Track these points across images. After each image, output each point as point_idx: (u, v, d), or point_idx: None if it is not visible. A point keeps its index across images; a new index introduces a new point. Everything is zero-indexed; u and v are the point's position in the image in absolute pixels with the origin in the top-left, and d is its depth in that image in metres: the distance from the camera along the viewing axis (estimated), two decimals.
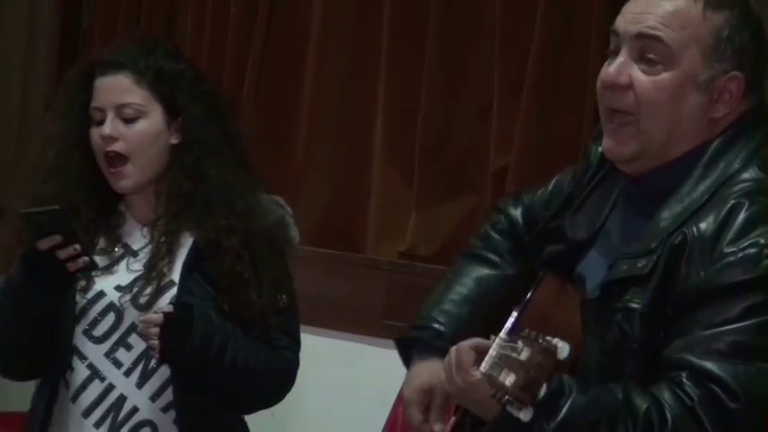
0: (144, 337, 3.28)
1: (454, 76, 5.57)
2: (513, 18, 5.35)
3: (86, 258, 3.24)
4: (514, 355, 2.48)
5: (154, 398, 3.42)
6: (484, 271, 3.26)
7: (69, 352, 3.44)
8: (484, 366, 2.50)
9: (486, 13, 5.43)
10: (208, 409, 3.46)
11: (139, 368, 3.45)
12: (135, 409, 3.40)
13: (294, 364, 3.48)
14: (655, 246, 2.74)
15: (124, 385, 3.43)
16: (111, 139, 3.34)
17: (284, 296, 3.44)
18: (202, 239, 3.39)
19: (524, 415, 2.48)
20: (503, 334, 2.56)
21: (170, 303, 3.33)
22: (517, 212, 3.30)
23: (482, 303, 3.21)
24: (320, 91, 5.81)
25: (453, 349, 2.68)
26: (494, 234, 3.31)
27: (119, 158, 3.36)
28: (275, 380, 3.43)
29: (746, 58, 2.83)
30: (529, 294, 2.98)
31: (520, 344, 2.48)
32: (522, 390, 2.46)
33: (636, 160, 2.87)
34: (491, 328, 2.87)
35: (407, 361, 3.22)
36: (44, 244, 3.19)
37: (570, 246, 3.01)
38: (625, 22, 2.86)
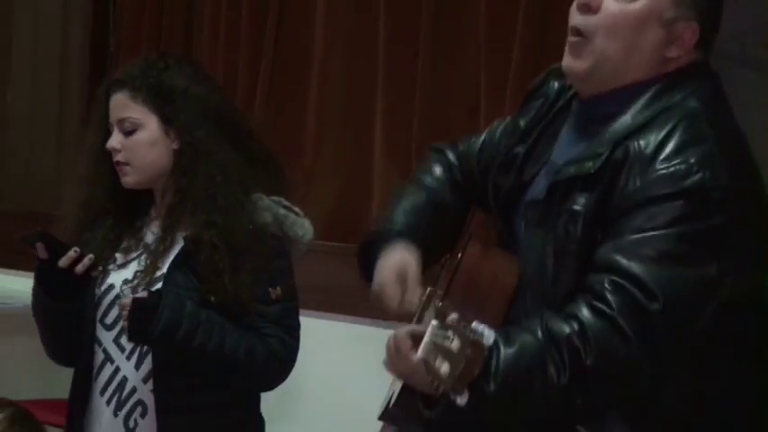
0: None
1: (444, 81, 5.59)
2: (495, 28, 5.36)
3: (90, 256, 3.29)
4: (446, 343, 2.44)
5: (146, 379, 3.42)
6: (422, 194, 3.22)
7: (92, 338, 3.49)
8: (420, 353, 2.44)
9: (472, 25, 5.46)
10: (189, 390, 3.43)
11: (137, 352, 3.45)
12: (134, 390, 3.41)
13: (285, 352, 3.39)
14: (601, 151, 2.73)
15: (126, 368, 3.45)
16: (114, 150, 3.39)
17: (278, 288, 3.38)
18: (190, 235, 3.39)
19: (461, 399, 2.46)
20: (434, 321, 2.47)
21: (144, 290, 3.33)
22: (453, 156, 3.29)
23: (426, 215, 3.17)
24: (324, 99, 5.84)
25: (391, 336, 2.62)
26: (435, 168, 3.28)
27: (123, 164, 3.40)
28: (261, 366, 3.33)
29: (706, 14, 2.83)
30: (459, 256, 2.96)
31: (450, 333, 2.44)
32: (457, 380, 2.43)
33: (589, 77, 2.84)
34: (435, 238, 3.11)
35: (367, 268, 3.14)
36: (39, 252, 3.28)
37: (526, 173, 2.98)
38: None
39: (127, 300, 3.28)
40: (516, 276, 2.87)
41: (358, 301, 4.95)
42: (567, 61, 2.87)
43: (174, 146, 3.41)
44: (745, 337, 2.79)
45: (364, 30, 5.75)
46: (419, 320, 2.91)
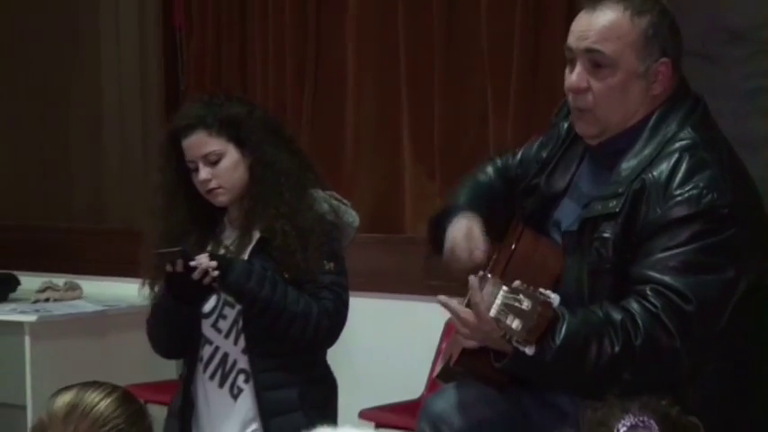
0: (201, 273, 3.29)
1: (457, 94, 5.55)
2: (496, 49, 5.34)
3: (216, 269, 3.29)
4: (517, 305, 2.50)
5: (245, 351, 3.45)
6: (480, 183, 3.30)
7: (199, 329, 3.52)
8: (492, 312, 2.52)
9: (477, 48, 5.41)
10: (277, 354, 3.45)
11: (234, 331, 3.48)
12: (235, 362, 3.45)
13: (335, 312, 3.42)
14: (621, 190, 2.76)
15: (226, 345, 3.49)
16: (207, 181, 3.40)
17: (331, 263, 3.42)
18: (264, 229, 3.42)
19: (529, 350, 2.53)
20: (504, 287, 2.56)
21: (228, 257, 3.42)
22: (501, 163, 3.32)
23: (485, 197, 3.24)
24: (359, 116, 5.79)
25: (471, 286, 2.67)
26: (488, 168, 3.33)
27: (216, 189, 3.43)
28: (314, 322, 3.35)
29: (669, 45, 2.85)
30: (513, 246, 2.99)
31: (520, 296, 2.51)
32: (528, 332, 2.50)
33: (599, 137, 2.89)
34: (491, 216, 3.14)
35: (434, 241, 3.25)
36: (177, 266, 3.29)
37: (547, 198, 3.03)
38: (574, 39, 2.87)
39: (201, 255, 3.32)
40: (560, 265, 2.90)
41: (396, 282, 5.04)
42: (580, 128, 2.93)
43: (249, 162, 3.44)
44: (761, 317, 2.84)
45: (388, 55, 5.71)
46: (467, 305, 2.97)
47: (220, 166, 3.40)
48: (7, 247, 6.09)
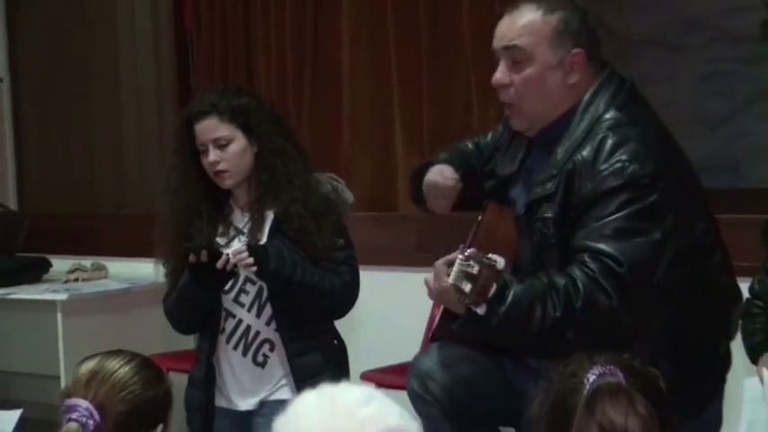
0: (238, 264, 3.32)
1: (443, 88, 5.57)
2: (478, 45, 5.26)
3: (254, 268, 3.30)
4: (469, 270, 2.53)
5: (268, 323, 3.45)
6: (456, 150, 3.36)
7: (219, 304, 3.50)
8: (451, 279, 2.54)
9: (461, 45, 5.44)
10: (301, 323, 3.46)
11: (256, 305, 3.47)
12: (257, 333, 3.44)
13: (353, 284, 3.45)
14: (555, 173, 2.80)
15: (248, 318, 3.47)
16: (215, 162, 3.39)
17: (341, 239, 3.43)
18: (278, 211, 3.41)
19: (480, 310, 2.57)
20: (460, 255, 2.56)
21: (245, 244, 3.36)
22: (472, 143, 3.37)
23: (459, 157, 3.29)
24: (355, 108, 5.80)
25: (435, 264, 2.69)
26: (461, 145, 3.40)
27: (223, 172, 3.41)
28: (338, 295, 3.38)
29: (581, 37, 2.87)
30: (479, 218, 3.02)
31: (472, 262, 2.53)
32: (477, 294, 2.54)
33: (531, 128, 2.93)
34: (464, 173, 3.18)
35: (415, 192, 3.33)
36: (202, 257, 3.29)
37: (502, 180, 3.05)
38: (496, 40, 2.93)
39: (240, 247, 3.33)
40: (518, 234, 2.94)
41: (390, 255, 5.04)
42: (513, 124, 2.99)
43: (255, 149, 3.42)
44: (705, 274, 2.88)
45: (379, 54, 5.73)
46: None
47: (228, 150, 3.38)
48: (40, 233, 6.12)
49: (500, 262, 2.58)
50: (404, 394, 3.10)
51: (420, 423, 1.83)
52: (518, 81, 2.86)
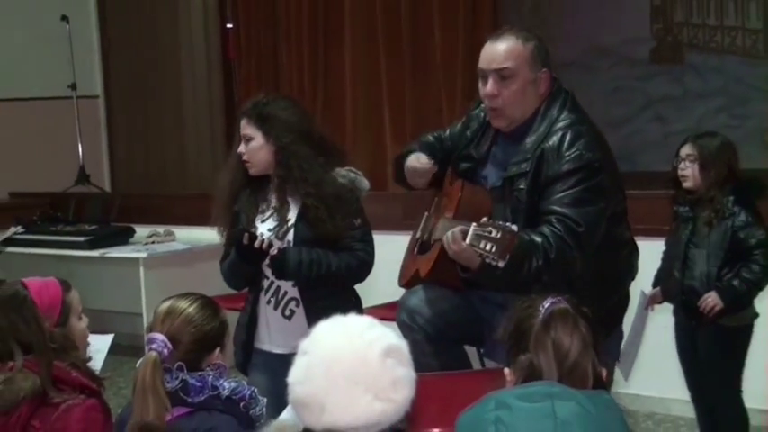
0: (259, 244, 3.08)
1: (421, 95, 5.56)
2: (447, 63, 5.36)
3: (270, 242, 3.10)
4: (488, 234, 2.39)
5: (295, 285, 3.20)
6: (425, 142, 3.23)
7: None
8: (468, 240, 2.41)
9: (433, 62, 5.47)
10: (319, 285, 3.23)
11: None
12: (285, 292, 3.20)
13: (368, 260, 3.17)
14: (528, 157, 2.73)
15: (278, 281, 3.22)
16: (241, 154, 3.18)
17: (358, 219, 3.16)
18: (302, 202, 3.17)
19: (501, 263, 2.41)
20: (474, 224, 2.43)
21: (278, 248, 3.10)
22: (434, 137, 3.23)
23: (428, 148, 3.16)
24: (355, 110, 5.82)
25: (449, 233, 2.54)
26: (428, 137, 3.25)
27: (246, 162, 3.18)
28: (354, 273, 3.16)
29: (546, 61, 2.81)
30: (459, 193, 2.92)
31: (490, 228, 2.39)
32: (501, 252, 2.38)
33: (509, 127, 2.84)
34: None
35: (398, 173, 3.21)
36: (244, 239, 3.07)
37: (476, 161, 2.96)
38: (486, 63, 2.81)
39: (271, 250, 3.09)
40: (490, 204, 2.86)
41: (382, 222, 4.78)
42: (494, 123, 2.88)
43: (273, 149, 3.16)
44: (616, 232, 2.84)
45: (373, 71, 5.72)
46: (424, 232, 3.00)
47: (250, 145, 3.16)
48: (127, 208, 6.08)
49: (515, 227, 2.45)
50: (392, 324, 3.04)
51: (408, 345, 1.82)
52: (506, 93, 2.78)
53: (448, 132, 3.21)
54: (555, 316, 1.81)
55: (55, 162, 6.59)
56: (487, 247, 2.39)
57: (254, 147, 3.16)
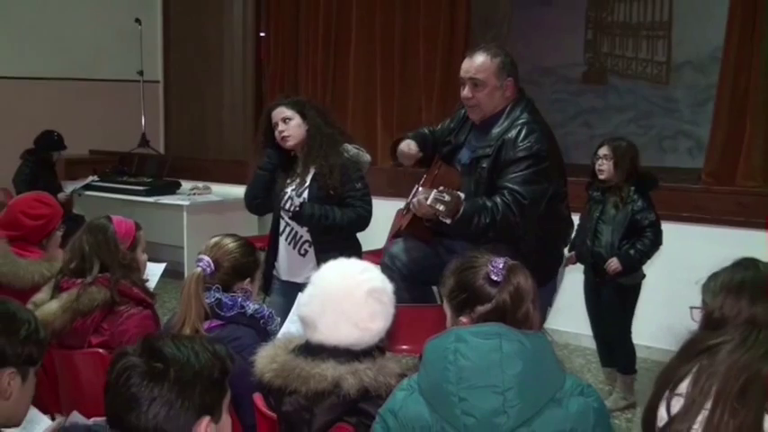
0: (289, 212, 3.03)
1: (405, 95, 5.45)
2: (428, 68, 5.25)
3: (291, 200, 3.01)
4: (442, 198, 2.42)
5: (308, 230, 3.09)
6: (419, 132, 3.11)
7: (278, 214, 3.17)
8: (428, 202, 2.42)
9: (417, 69, 5.36)
10: (328, 231, 3.13)
11: None
12: (301, 235, 3.09)
13: (365, 215, 3.03)
14: (492, 143, 2.69)
15: (296, 226, 3.10)
16: (282, 131, 3.07)
17: (359, 183, 3.05)
18: (317, 168, 3.07)
19: (448, 221, 2.47)
20: (434, 191, 2.43)
21: (301, 202, 3.00)
22: (428, 130, 3.12)
23: (420, 137, 3.06)
24: (356, 106, 5.69)
25: (415, 199, 2.49)
26: (423, 130, 3.13)
27: (287, 137, 3.07)
28: (355, 224, 3.05)
29: (511, 71, 2.75)
30: (436, 171, 2.90)
31: (445, 194, 2.43)
32: (450, 211, 2.43)
33: (482, 119, 2.79)
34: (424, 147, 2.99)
35: (394, 154, 3.10)
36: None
37: (455, 147, 2.91)
38: (463, 72, 2.77)
39: (291, 205, 3.01)
40: (460, 180, 2.80)
41: (372, 190, 4.93)
42: (472, 116, 2.83)
43: (306, 128, 3.06)
44: (557, 209, 2.79)
45: (371, 75, 5.64)
46: (410, 198, 2.91)
47: (290, 123, 3.07)
48: (177, 167, 6.08)
49: (461, 195, 2.51)
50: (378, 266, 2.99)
51: (392, 286, 1.81)
52: (478, 96, 2.74)
53: (439, 127, 3.17)
54: (514, 268, 1.71)
55: (124, 129, 6.64)
56: (440, 208, 2.42)
57: (294, 124, 3.07)
